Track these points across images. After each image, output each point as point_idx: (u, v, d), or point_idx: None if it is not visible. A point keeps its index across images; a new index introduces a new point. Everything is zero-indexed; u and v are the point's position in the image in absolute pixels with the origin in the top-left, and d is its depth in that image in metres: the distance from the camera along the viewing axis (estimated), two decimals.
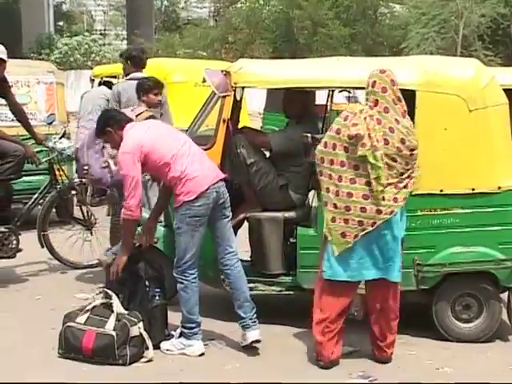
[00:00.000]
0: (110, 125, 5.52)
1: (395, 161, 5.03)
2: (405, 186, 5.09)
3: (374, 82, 5.11)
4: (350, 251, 5.07)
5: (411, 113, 5.40)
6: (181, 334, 5.51)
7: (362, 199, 5.01)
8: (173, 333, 5.63)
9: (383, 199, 5.01)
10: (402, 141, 5.02)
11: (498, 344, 5.80)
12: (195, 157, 5.41)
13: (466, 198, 5.63)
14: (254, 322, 5.53)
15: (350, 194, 5.02)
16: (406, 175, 5.09)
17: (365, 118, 5.01)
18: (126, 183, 5.31)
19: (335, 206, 5.07)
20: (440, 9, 32.50)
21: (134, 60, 7.92)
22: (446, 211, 5.64)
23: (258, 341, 5.49)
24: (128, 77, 7.94)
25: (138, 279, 5.57)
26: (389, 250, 5.11)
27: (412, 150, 5.07)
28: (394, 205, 5.04)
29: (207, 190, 5.34)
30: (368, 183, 5.01)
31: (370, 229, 5.03)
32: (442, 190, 5.62)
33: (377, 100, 5.07)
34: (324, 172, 5.14)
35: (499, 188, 5.64)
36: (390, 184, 5.03)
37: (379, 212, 5.02)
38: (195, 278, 5.46)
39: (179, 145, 5.41)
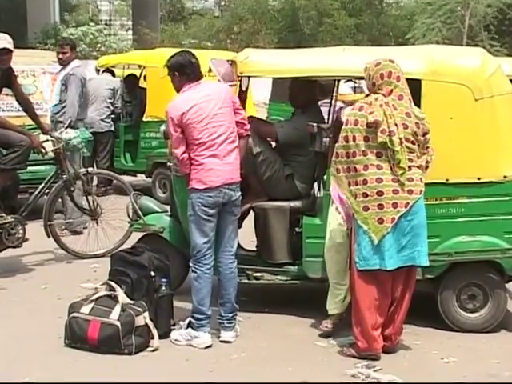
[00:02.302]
0: (178, 71, 5.51)
1: (414, 144, 5.10)
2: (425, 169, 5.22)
3: (390, 72, 5.13)
4: (383, 239, 5.07)
5: (417, 102, 5.41)
6: (189, 324, 5.52)
7: (392, 182, 5.05)
8: (181, 323, 5.64)
9: (411, 180, 5.06)
10: (417, 125, 5.09)
11: (503, 334, 5.80)
12: (221, 151, 5.39)
13: (471, 187, 5.63)
14: (231, 323, 5.57)
15: (379, 180, 5.05)
16: (423, 158, 5.18)
17: (380, 105, 5.05)
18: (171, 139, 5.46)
19: (365, 195, 5.07)
20: None
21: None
22: (452, 200, 5.64)
23: (228, 342, 5.52)
24: None
25: (142, 269, 5.58)
26: (417, 235, 5.13)
27: (425, 133, 5.14)
28: (421, 184, 5.11)
29: (219, 187, 5.36)
30: (383, 167, 5.07)
31: (404, 210, 5.05)
32: (447, 180, 5.62)
33: (391, 89, 5.12)
34: (345, 167, 5.15)
35: (505, 177, 5.64)
36: (413, 166, 5.09)
37: (410, 192, 5.06)
38: (209, 268, 5.46)
39: (214, 134, 5.37)
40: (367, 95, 5.28)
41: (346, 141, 5.12)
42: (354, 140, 5.08)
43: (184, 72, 5.47)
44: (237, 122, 5.54)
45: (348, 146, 5.11)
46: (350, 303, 5.49)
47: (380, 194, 5.05)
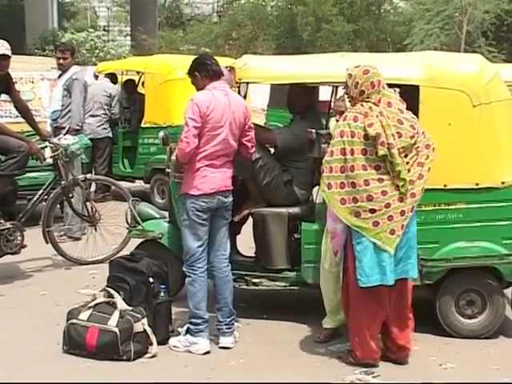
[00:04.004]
0: (198, 70, 5.53)
1: (410, 151, 5.04)
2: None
3: (379, 81, 5.07)
4: (380, 254, 5.01)
5: (415, 108, 5.41)
6: (187, 330, 5.52)
7: (396, 191, 4.99)
8: (179, 329, 5.64)
9: (412, 182, 5.01)
10: (413, 127, 5.04)
11: (501, 340, 5.80)
12: (218, 161, 5.43)
13: (469, 193, 5.63)
14: (229, 328, 5.57)
15: (384, 192, 4.96)
16: (422, 154, 5.11)
17: (377, 116, 4.97)
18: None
19: (373, 211, 4.96)
20: (444, 5, 32.52)
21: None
22: (450, 206, 5.64)
23: (228, 348, 5.52)
24: None
25: (141, 275, 5.58)
26: (410, 247, 5.13)
27: (423, 132, 5.10)
28: (421, 182, 5.06)
29: (213, 194, 5.40)
30: (384, 179, 4.99)
31: (410, 214, 5.03)
32: (445, 185, 5.63)
33: (380, 98, 5.05)
34: (338, 183, 5.00)
35: (503, 183, 5.64)
36: (409, 170, 5.03)
37: (413, 195, 5.03)
38: (203, 272, 5.48)
39: (218, 146, 5.40)
40: (353, 104, 5.12)
41: (343, 154, 4.98)
42: (352, 153, 4.95)
43: (204, 69, 5.50)
44: (242, 143, 5.61)
45: (345, 160, 4.97)
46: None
47: (388, 206, 4.97)
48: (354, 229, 5.03)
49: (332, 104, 6.36)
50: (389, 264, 5.02)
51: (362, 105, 5.05)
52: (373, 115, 4.97)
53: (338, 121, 5.43)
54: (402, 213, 5.01)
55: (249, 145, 5.67)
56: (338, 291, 5.52)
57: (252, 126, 5.70)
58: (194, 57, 5.74)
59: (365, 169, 4.96)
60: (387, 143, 4.92)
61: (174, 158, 5.83)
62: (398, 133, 4.97)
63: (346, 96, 5.24)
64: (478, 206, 5.65)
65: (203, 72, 5.51)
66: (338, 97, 5.57)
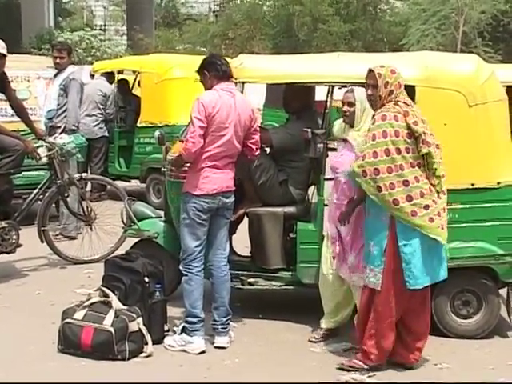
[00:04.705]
0: (208, 69, 5.53)
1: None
2: None
3: (402, 81, 5.05)
4: (429, 255, 5.00)
5: None
6: (183, 330, 5.52)
7: (434, 189, 4.99)
8: (174, 328, 5.64)
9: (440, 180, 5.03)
10: (426, 127, 5.04)
11: (496, 340, 5.80)
12: (221, 162, 5.43)
13: (465, 193, 5.63)
14: (225, 327, 5.57)
15: (430, 189, 4.97)
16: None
17: (416, 115, 4.96)
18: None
19: (427, 207, 4.93)
20: (440, 5, 32.57)
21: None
22: (446, 206, 5.64)
23: (223, 347, 5.51)
24: None
25: (136, 275, 5.57)
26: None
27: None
28: (445, 181, 5.07)
29: (214, 194, 5.40)
30: (426, 176, 4.99)
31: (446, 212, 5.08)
32: None
33: (404, 98, 5.03)
34: (387, 184, 4.88)
35: (498, 183, 5.65)
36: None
37: (444, 193, 5.06)
38: (200, 271, 5.48)
39: (221, 148, 5.40)
40: (382, 105, 5.01)
41: (388, 154, 4.89)
42: (399, 152, 4.90)
43: (213, 69, 5.49)
44: (247, 146, 5.61)
45: (392, 159, 4.89)
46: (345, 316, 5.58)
47: (435, 202, 4.98)
48: (412, 227, 4.92)
49: (327, 102, 6.34)
50: (439, 263, 5.05)
51: (397, 104, 4.98)
52: (414, 114, 4.95)
53: (345, 122, 5.48)
54: (444, 209, 5.05)
55: (253, 147, 5.68)
56: (336, 294, 5.54)
57: (258, 128, 5.69)
58: (192, 56, 5.75)
59: (412, 166, 4.93)
60: (426, 141, 4.91)
61: (169, 157, 5.82)
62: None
63: (367, 95, 5.10)
64: (473, 206, 5.65)
65: (213, 71, 5.50)
66: (346, 90, 5.54)
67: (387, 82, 5.00)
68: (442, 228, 5.01)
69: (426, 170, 4.99)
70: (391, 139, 4.89)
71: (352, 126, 5.48)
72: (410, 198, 4.91)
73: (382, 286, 5.01)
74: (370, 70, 5.07)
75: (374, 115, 5.07)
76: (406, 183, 4.92)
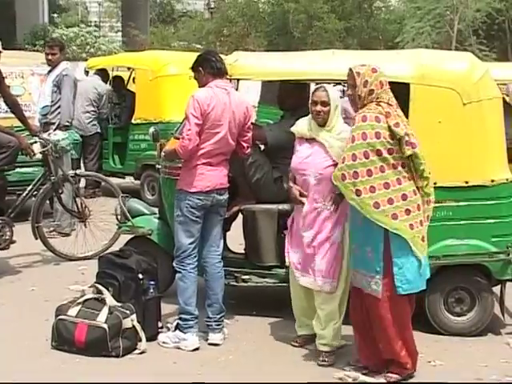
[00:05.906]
0: (202, 66, 5.51)
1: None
2: None
3: (386, 81, 4.92)
4: (416, 259, 4.90)
5: (405, 106, 5.41)
6: (177, 326, 5.52)
7: (420, 195, 4.87)
8: (169, 325, 5.64)
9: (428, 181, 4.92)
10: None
11: (490, 338, 5.82)
12: (215, 160, 5.43)
13: (459, 190, 5.63)
14: (219, 324, 5.57)
15: (415, 192, 4.83)
16: None
17: (398, 116, 4.84)
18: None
19: (408, 212, 4.78)
20: (435, 3, 32.58)
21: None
22: (440, 204, 5.61)
23: (217, 344, 5.51)
24: None
25: (130, 272, 5.57)
26: None
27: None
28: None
29: (209, 191, 5.40)
30: (411, 178, 4.86)
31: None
32: (435, 183, 5.56)
33: (389, 98, 4.90)
34: (368, 187, 4.75)
35: (492, 181, 5.65)
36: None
37: (432, 201, 4.96)
38: (194, 268, 5.49)
39: (215, 145, 5.40)
40: (363, 105, 4.88)
41: (367, 157, 4.75)
42: (380, 154, 4.75)
43: (208, 65, 5.48)
44: (239, 143, 5.61)
45: (372, 162, 4.75)
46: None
47: (419, 208, 4.85)
48: (392, 233, 4.79)
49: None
50: (424, 270, 4.93)
51: (379, 104, 4.84)
52: (396, 115, 4.83)
53: (317, 122, 5.25)
54: (427, 218, 4.93)
55: (245, 145, 5.68)
56: (304, 297, 5.46)
57: (251, 126, 5.69)
58: (187, 53, 5.74)
59: (395, 167, 4.79)
60: (410, 142, 4.77)
61: (163, 153, 5.81)
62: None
63: (346, 97, 5.06)
64: (467, 203, 5.66)
65: (207, 68, 5.49)
66: (315, 88, 5.44)
67: (366, 81, 4.85)
68: (423, 240, 4.87)
69: (411, 171, 4.86)
70: (371, 141, 4.75)
71: (321, 126, 5.28)
72: (391, 201, 4.77)
73: (386, 292, 4.85)
74: (350, 70, 4.96)
75: (354, 116, 4.93)
76: (386, 186, 4.77)
